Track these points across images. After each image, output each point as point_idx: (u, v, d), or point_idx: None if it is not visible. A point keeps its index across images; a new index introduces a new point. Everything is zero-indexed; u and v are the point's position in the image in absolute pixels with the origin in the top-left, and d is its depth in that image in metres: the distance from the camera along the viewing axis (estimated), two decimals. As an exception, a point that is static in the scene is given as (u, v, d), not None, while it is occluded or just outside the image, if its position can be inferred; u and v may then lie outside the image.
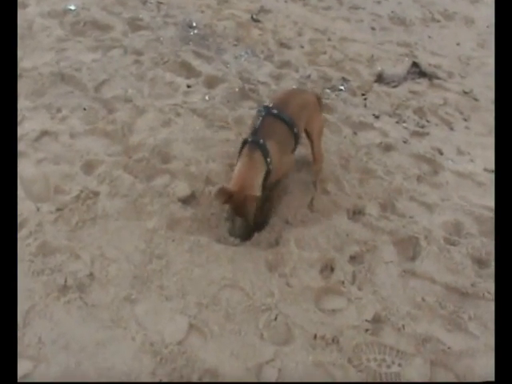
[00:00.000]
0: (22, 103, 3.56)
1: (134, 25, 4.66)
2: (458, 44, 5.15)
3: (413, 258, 2.86)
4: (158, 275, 2.61)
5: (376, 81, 4.44)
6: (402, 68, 4.62)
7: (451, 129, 3.95)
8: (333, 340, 2.39)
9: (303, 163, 3.35)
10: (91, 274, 2.58)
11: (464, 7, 5.92)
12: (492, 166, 3.50)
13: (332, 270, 2.74)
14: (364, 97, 4.21)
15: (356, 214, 3.11)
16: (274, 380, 2.24)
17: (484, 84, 4.49)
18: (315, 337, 2.40)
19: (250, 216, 2.73)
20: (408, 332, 2.46)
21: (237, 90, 4.01)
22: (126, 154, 3.29)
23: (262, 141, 2.76)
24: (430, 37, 5.24)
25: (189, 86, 4.01)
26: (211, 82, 4.09)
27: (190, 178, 3.17)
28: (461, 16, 5.71)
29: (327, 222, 2.98)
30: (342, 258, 2.78)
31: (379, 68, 4.59)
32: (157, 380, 2.20)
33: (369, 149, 3.60)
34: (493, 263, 2.83)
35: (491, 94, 4.27)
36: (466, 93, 4.37)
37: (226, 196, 2.66)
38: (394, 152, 3.62)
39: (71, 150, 3.28)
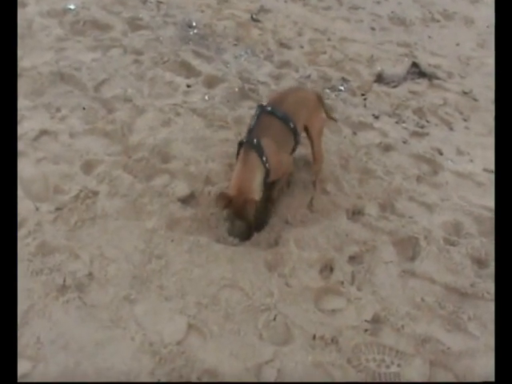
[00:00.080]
0: (22, 102, 3.55)
1: (134, 24, 4.66)
2: (457, 44, 5.15)
3: (412, 258, 2.86)
4: (158, 275, 2.60)
5: (376, 81, 4.44)
6: (401, 68, 4.62)
7: (451, 129, 3.95)
8: (332, 340, 2.39)
9: (303, 163, 3.35)
10: (90, 274, 2.57)
11: (464, 7, 5.91)
12: (491, 166, 3.50)
13: (331, 270, 2.74)
14: (364, 97, 4.21)
15: (355, 214, 3.10)
16: (273, 380, 2.24)
17: (484, 84, 4.49)
18: (314, 337, 2.40)
19: (250, 219, 2.73)
20: (407, 332, 2.46)
21: (236, 89, 4.01)
22: (126, 153, 3.29)
23: (255, 140, 2.75)
24: (429, 37, 5.24)
25: (188, 86, 4.01)
26: (211, 82, 4.09)
27: (190, 177, 3.17)
28: (460, 16, 5.71)
29: (327, 222, 2.98)
30: (342, 258, 2.78)
31: (379, 68, 4.59)
32: (156, 380, 2.20)
33: (368, 149, 3.60)
34: (492, 263, 2.83)
35: (491, 94, 4.27)
36: (465, 93, 4.37)
37: (226, 201, 2.66)
38: (394, 152, 3.61)
39: (70, 149, 3.27)
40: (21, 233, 2.70)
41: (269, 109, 2.89)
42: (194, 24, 4.83)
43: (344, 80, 4.38)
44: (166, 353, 2.28)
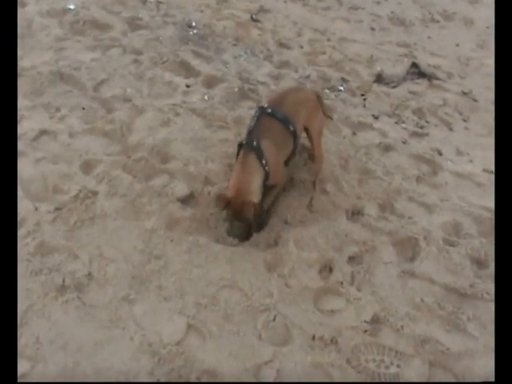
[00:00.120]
0: (21, 102, 3.55)
1: (134, 24, 4.65)
2: (457, 45, 5.15)
3: (412, 259, 2.86)
4: (157, 275, 2.60)
5: (375, 81, 4.44)
6: (401, 68, 4.62)
7: (450, 129, 3.95)
8: (331, 341, 2.39)
9: (303, 163, 3.35)
10: (89, 274, 2.57)
11: (463, 8, 5.92)
12: (491, 166, 3.50)
13: (331, 270, 2.74)
14: (363, 97, 4.21)
15: (355, 214, 3.10)
16: (272, 380, 2.24)
17: (483, 85, 4.49)
18: (314, 337, 2.40)
19: (248, 221, 2.73)
20: (407, 333, 2.46)
21: (236, 89, 4.01)
22: (125, 153, 3.29)
23: (255, 143, 2.75)
24: (429, 37, 5.24)
25: (188, 86, 4.01)
26: (210, 82, 4.09)
27: (189, 178, 3.16)
28: (460, 17, 5.71)
29: (326, 223, 2.97)
30: (341, 259, 2.78)
31: (378, 68, 4.59)
32: (155, 380, 2.20)
33: (368, 149, 3.60)
34: (491, 264, 2.83)
35: (490, 95, 4.27)
36: (465, 93, 4.37)
37: (224, 202, 2.66)
38: (393, 152, 3.61)
39: (70, 149, 3.27)
40: (20, 233, 2.70)
41: (269, 111, 2.89)
42: (194, 24, 4.82)
43: (343, 80, 4.38)
44: (165, 353, 2.28)
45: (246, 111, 3.81)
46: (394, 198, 3.21)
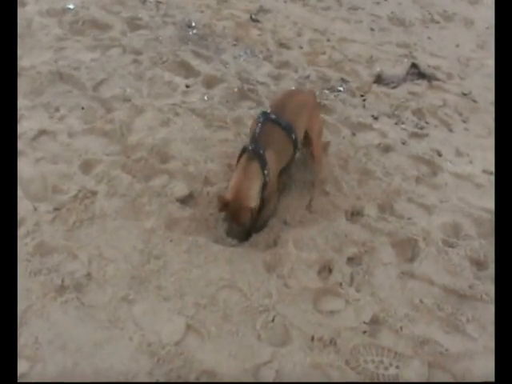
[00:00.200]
0: (21, 102, 3.55)
1: (133, 24, 4.65)
2: (457, 45, 5.15)
3: (411, 260, 2.86)
4: (156, 275, 2.60)
5: (375, 82, 4.44)
6: (401, 69, 4.62)
7: (450, 130, 3.95)
8: (330, 341, 2.39)
9: (301, 164, 3.34)
10: (89, 274, 2.57)
11: (463, 8, 5.91)
12: (491, 167, 3.50)
13: (330, 271, 2.74)
14: (363, 97, 4.20)
15: (354, 215, 3.10)
16: (271, 381, 2.24)
17: (483, 85, 4.49)
18: (313, 338, 2.40)
19: (245, 225, 2.73)
20: (406, 334, 2.46)
21: (236, 90, 4.01)
22: (125, 153, 3.28)
23: (262, 151, 2.75)
24: (429, 38, 5.23)
25: (188, 86, 4.00)
26: (210, 82, 4.08)
27: (189, 178, 3.16)
28: (460, 17, 5.70)
29: (326, 223, 2.97)
30: (341, 259, 2.78)
31: (378, 69, 4.59)
32: (154, 380, 2.19)
33: (367, 150, 3.60)
34: (491, 265, 2.83)
35: (490, 96, 4.27)
36: (465, 94, 4.37)
37: (222, 204, 2.65)
38: (393, 153, 3.61)
39: (69, 149, 3.27)
40: (19, 233, 2.70)
41: (273, 117, 2.89)
42: (194, 24, 4.82)
43: (343, 80, 4.37)
44: (164, 353, 2.28)
45: (246, 111, 3.81)
46: (394, 199, 3.21)
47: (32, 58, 4.00)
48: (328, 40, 4.93)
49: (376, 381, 2.28)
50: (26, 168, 3.06)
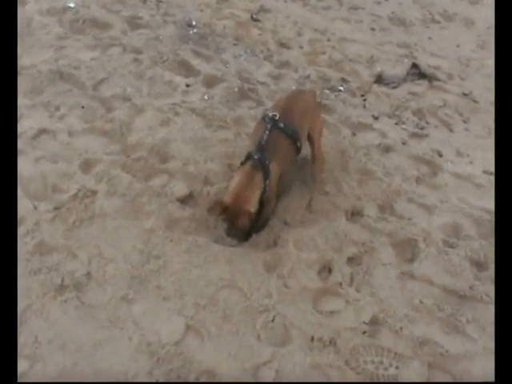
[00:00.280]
0: (21, 101, 3.54)
1: (134, 23, 4.65)
2: (457, 45, 5.14)
3: (411, 260, 2.86)
4: (156, 275, 2.60)
5: (375, 82, 4.43)
6: (401, 69, 4.61)
7: (450, 130, 3.95)
8: (330, 342, 2.39)
9: (302, 164, 3.34)
10: (88, 274, 2.57)
11: (464, 8, 5.90)
12: (491, 168, 3.50)
13: (330, 271, 2.74)
14: (363, 98, 4.20)
15: (354, 215, 3.10)
16: (271, 381, 2.24)
17: (483, 86, 4.48)
18: (313, 338, 2.39)
19: (244, 228, 2.73)
20: (406, 334, 2.46)
21: (236, 89, 4.00)
22: (124, 153, 3.28)
23: (267, 162, 2.74)
24: (429, 38, 5.23)
25: (188, 86, 4.00)
26: (210, 82, 4.08)
27: (189, 177, 3.16)
28: (461, 17, 5.70)
29: (326, 223, 2.97)
30: (340, 260, 2.78)
31: (379, 69, 4.58)
32: (153, 380, 2.19)
33: (368, 150, 3.59)
34: (491, 266, 2.82)
35: (491, 96, 4.26)
36: (465, 94, 4.37)
37: (221, 209, 2.65)
38: (393, 153, 3.60)
39: (69, 148, 3.27)
40: (19, 232, 2.70)
41: (281, 125, 2.87)
42: (194, 23, 4.82)
43: (344, 80, 4.37)
44: (163, 353, 2.28)
45: (246, 111, 3.80)
46: (394, 199, 3.21)
47: (32, 56, 4.00)
48: (328, 40, 4.92)
49: (376, 381, 2.28)
50: (25, 167, 3.06)
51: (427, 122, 4.00)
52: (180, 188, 3.08)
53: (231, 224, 2.71)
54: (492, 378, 2.06)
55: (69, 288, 2.49)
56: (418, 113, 4.09)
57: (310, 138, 3.15)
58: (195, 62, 4.25)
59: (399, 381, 2.29)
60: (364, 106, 4.09)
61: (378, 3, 5.80)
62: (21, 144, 3.20)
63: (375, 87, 4.35)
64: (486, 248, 2.92)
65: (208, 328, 2.39)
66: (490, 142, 3.71)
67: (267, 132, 2.84)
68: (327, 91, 4.21)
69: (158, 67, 4.13)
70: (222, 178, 3.18)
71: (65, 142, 3.31)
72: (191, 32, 4.70)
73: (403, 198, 3.22)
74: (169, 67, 4.15)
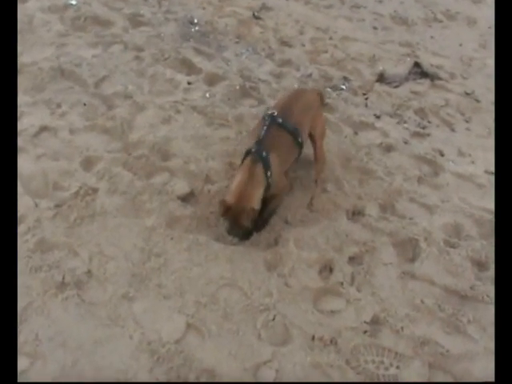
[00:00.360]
0: (22, 98, 3.54)
1: (135, 21, 4.64)
2: (460, 45, 5.13)
3: (412, 260, 2.85)
4: (157, 273, 2.60)
5: (377, 80, 4.42)
6: (403, 68, 4.60)
7: (452, 130, 3.94)
8: (331, 341, 2.39)
9: (303, 163, 3.34)
10: (89, 272, 2.57)
11: (466, 7, 5.89)
12: (492, 167, 3.49)
13: (331, 270, 2.73)
14: (365, 96, 4.19)
15: (356, 214, 3.09)
16: (271, 380, 2.24)
17: (486, 85, 4.47)
18: (313, 338, 2.39)
19: (247, 227, 2.72)
20: (406, 334, 2.45)
21: (237, 87, 4.00)
22: (126, 150, 3.28)
23: (265, 154, 2.74)
24: (432, 37, 5.22)
25: (189, 83, 3.99)
26: (212, 80, 4.07)
27: (190, 176, 3.16)
28: (463, 16, 5.68)
29: (326, 223, 2.97)
30: (341, 259, 2.77)
31: (381, 68, 4.57)
32: (154, 379, 2.19)
33: (369, 149, 3.59)
34: (492, 266, 2.82)
35: (493, 96, 4.25)
36: (467, 94, 4.36)
37: (225, 208, 2.64)
38: (395, 153, 3.60)
39: (70, 146, 3.26)
40: (20, 229, 2.70)
41: (280, 121, 2.88)
42: (196, 21, 4.81)
43: (345, 79, 4.36)
44: (164, 352, 2.28)
45: (247, 109, 3.80)
46: (395, 199, 3.20)
47: (33, 54, 3.99)
48: (330, 38, 4.91)
49: (376, 381, 2.27)
50: (26, 164, 3.06)
51: (429, 122, 4.00)
52: (181, 186, 3.08)
53: (234, 222, 2.70)
54: (493, 379, 2.06)
55: (69, 286, 2.49)
56: (420, 112, 4.09)
57: (311, 137, 3.14)
58: (197, 60, 4.24)
59: (399, 381, 2.29)
60: (366, 105, 4.09)
61: (380, 2, 5.78)
62: (22, 141, 3.20)
63: (377, 86, 4.34)
64: (487, 248, 2.92)
65: (208, 327, 2.39)
66: (492, 142, 3.70)
67: (265, 128, 2.85)
68: (329, 90, 4.20)
69: (159, 65, 4.12)
70: (223, 177, 3.17)
71: (66, 139, 3.30)
72: (193, 30, 4.69)
73: (404, 198, 3.22)
74: (170, 65, 4.14)
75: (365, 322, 2.49)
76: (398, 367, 2.33)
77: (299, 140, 2.92)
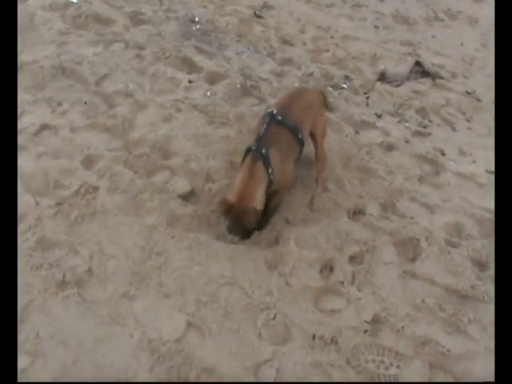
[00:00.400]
0: (23, 97, 3.54)
1: (136, 19, 4.63)
2: (461, 44, 5.12)
3: (413, 259, 2.85)
4: (157, 272, 2.60)
5: (379, 79, 4.42)
6: (404, 67, 4.60)
7: (453, 129, 3.93)
8: (331, 340, 2.39)
9: (304, 162, 3.33)
10: (90, 270, 2.57)
11: (468, 6, 5.87)
12: (493, 167, 3.48)
13: (331, 269, 2.73)
14: (366, 95, 4.19)
15: (356, 213, 3.09)
16: (271, 380, 2.24)
17: (487, 85, 4.46)
18: (314, 337, 2.39)
19: (250, 226, 2.72)
20: (407, 334, 2.45)
21: (238, 86, 3.99)
22: (127, 149, 3.28)
23: (264, 150, 2.74)
24: (433, 36, 5.21)
25: (190, 82, 3.99)
26: (213, 78, 4.07)
27: (190, 174, 3.15)
28: (465, 15, 5.67)
29: (327, 222, 2.96)
30: (342, 258, 2.77)
31: (382, 67, 4.57)
32: (154, 377, 2.19)
33: (370, 148, 3.58)
34: (493, 266, 2.81)
35: (494, 95, 4.25)
36: (468, 93, 4.35)
37: (227, 208, 2.64)
38: (396, 152, 3.59)
39: (71, 144, 3.26)
40: (21, 227, 2.70)
41: (279, 118, 2.88)
42: (197, 19, 4.80)
43: (347, 78, 4.36)
44: (164, 350, 2.28)
45: (248, 108, 3.79)
46: (396, 198, 3.20)
47: (34, 52, 3.99)
48: (332, 37, 4.90)
49: (376, 381, 2.27)
50: (27, 163, 3.06)
51: (430, 121, 3.99)
52: (182, 185, 3.08)
53: (237, 222, 2.70)
54: (493, 378, 2.06)
55: (70, 284, 2.49)
56: (421, 111, 4.08)
57: (312, 136, 3.14)
58: (198, 59, 4.23)
59: (400, 380, 2.28)
60: (367, 104, 4.08)
61: (382, 1, 5.77)
62: (23, 140, 3.19)
63: (378, 85, 4.34)
64: (488, 248, 2.91)
65: (209, 325, 2.39)
66: (493, 141, 3.69)
67: (265, 125, 2.85)
68: (330, 89, 4.19)
69: (160, 63, 4.12)
70: (223, 175, 3.17)
71: (67, 137, 3.30)
72: (194, 28, 4.68)
73: (405, 197, 3.21)
74: (171, 63, 4.14)
75: (365, 321, 2.49)
76: (398, 367, 2.33)
77: (299, 137, 2.92)
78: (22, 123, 3.32)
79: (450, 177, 3.42)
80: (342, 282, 2.65)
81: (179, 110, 3.66)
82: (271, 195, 2.82)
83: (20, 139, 3.18)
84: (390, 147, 3.63)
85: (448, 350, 2.40)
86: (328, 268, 2.74)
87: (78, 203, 2.88)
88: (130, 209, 2.90)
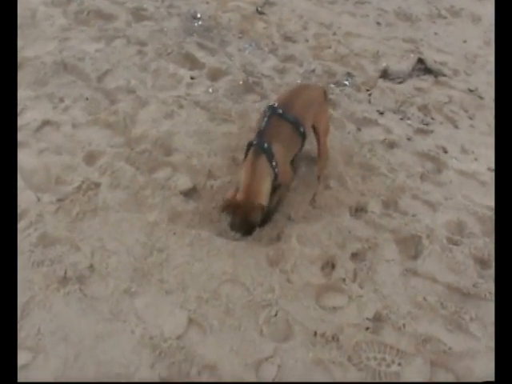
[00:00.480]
0: (24, 93, 3.54)
1: (138, 15, 4.62)
2: (464, 41, 5.10)
3: (415, 257, 2.85)
4: (159, 268, 2.60)
5: (381, 77, 4.40)
6: (407, 64, 4.58)
7: (456, 127, 3.92)
8: (333, 338, 2.39)
9: (306, 159, 3.33)
10: (91, 266, 2.57)
11: (471, 4, 5.85)
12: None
13: (333, 267, 2.73)
14: (368, 92, 4.17)
15: (358, 210, 3.08)
16: (273, 376, 2.24)
17: (489, 82, 4.44)
18: (315, 334, 2.39)
19: (256, 223, 2.72)
20: (408, 331, 2.45)
21: (240, 82, 3.98)
22: (128, 145, 3.27)
23: (266, 144, 2.73)
24: (436, 33, 5.18)
25: (192, 78, 3.98)
26: (215, 75, 4.06)
27: (192, 171, 3.15)
28: (467, 13, 5.65)
29: (329, 219, 2.96)
30: (344, 255, 2.77)
31: (384, 64, 4.55)
32: (155, 374, 2.19)
33: (372, 145, 3.57)
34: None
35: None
36: (471, 91, 4.34)
37: (234, 205, 2.63)
38: (398, 149, 3.58)
39: (73, 140, 3.26)
40: (22, 224, 2.70)
41: (280, 111, 2.87)
42: (199, 16, 4.79)
43: (349, 75, 4.34)
44: (166, 347, 2.28)
45: (250, 104, 3.78)
46: (398, 196, 3.19)
47: (36, 48, 3.98)
48: (334, 34, 4.89)
49: (378, 378, 2.27)
50: (29, 159, 3.06)
51: (432, 118, 3.98)
52: (184, 181, 3.07)
53: (243, 219, 2.69)
54: (493, 377, 2.05)
55: (72, 280, 2.49)
56: (424, 108, 4.06)
57: (315, 133, 3.13)
58: (200, 55, 4.22)
59: (401, 378, 2.28)
60: (369, 101, 4.07)
61: (384, -3, 5.75)
62: (24, 136, 3.19)
63: (380, 82, 4.32)
64: (490, 246, 2.90)
65: (210, 322, 2.39)
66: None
67: (266, 119, 2.85)
68: (332, 85, 4.18)
69: (162, 59, 4.11)
70: (225, 172, 3.17)
71: (68, 133, 3.30)
72: (196, 24, 4.67)
73: (407, 195, 3.21)
74: (173, 60, 4.13)
75: (367, 318, 2.48)
76: (399, 364, 2.33)
77: (301, 130, 2.91)
78: (23, 119, 3.31)
79: (452, 175, 3.41)
80: (344, 280, 2.65)
81: (181, 107, 3.66)
82: (274, 190, 2.82)
83: (22, 135, 3.18)
84: (392, 144, 3.62)
85: (449, 348, 2.39)
86: (330, 265, 2.74)
87: (79, 199, 2.88)
88: (131, 205, 2.90)
